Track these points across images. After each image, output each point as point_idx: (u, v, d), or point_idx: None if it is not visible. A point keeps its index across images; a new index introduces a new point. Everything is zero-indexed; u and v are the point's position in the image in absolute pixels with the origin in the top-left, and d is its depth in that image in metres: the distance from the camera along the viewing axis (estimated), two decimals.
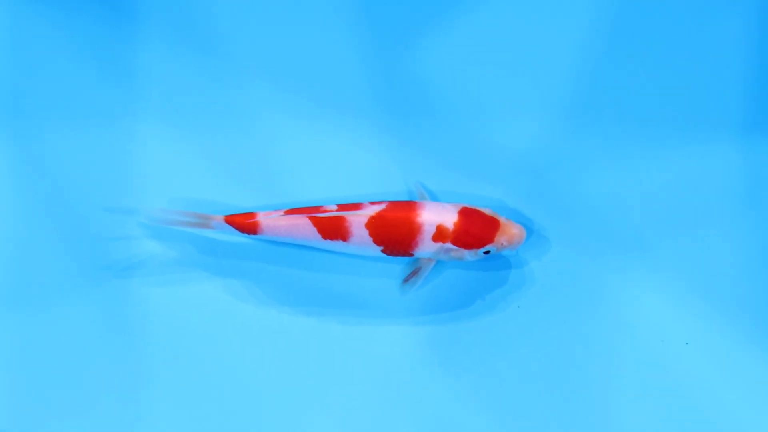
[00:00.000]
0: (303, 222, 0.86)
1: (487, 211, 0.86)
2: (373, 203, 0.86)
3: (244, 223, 0.87)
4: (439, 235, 0.85)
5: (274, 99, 0.93)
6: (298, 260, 0.90)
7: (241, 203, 0.90)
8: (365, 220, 0.85)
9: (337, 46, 0.93)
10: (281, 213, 0.86)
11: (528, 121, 0.93)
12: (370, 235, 0.85)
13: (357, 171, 0.92)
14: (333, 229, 0.85)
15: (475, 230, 0.85)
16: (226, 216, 0.87)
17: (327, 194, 0.91)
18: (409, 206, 0.86)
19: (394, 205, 0.86)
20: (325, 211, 0.86)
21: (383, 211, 0.85)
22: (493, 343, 0.89)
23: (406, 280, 0.88)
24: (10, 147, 0.92)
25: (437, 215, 0.85)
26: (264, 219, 0.86)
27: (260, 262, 0.90)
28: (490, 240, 0.85)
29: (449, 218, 0.85)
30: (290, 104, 0.92)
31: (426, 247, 0.86)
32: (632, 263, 0.90)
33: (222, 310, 0.89)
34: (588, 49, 0.94)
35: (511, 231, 0.85)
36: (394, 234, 0.85)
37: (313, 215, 0.85)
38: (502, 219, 0.86)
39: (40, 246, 0.90)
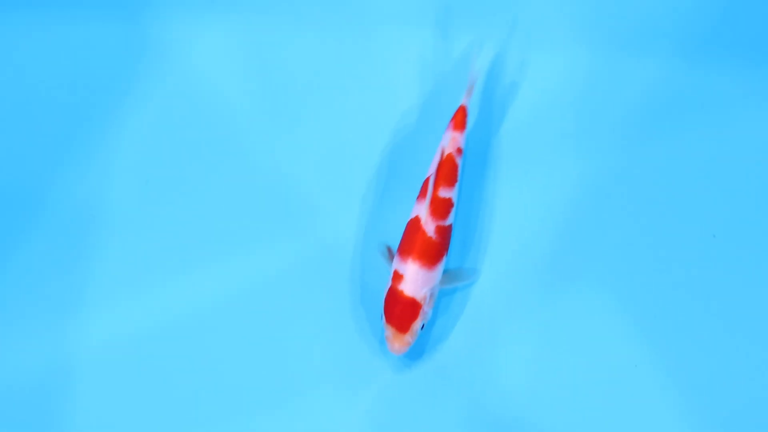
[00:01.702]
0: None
1: (418, 321, 0.86)
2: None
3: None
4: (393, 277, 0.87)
5: None
6: None
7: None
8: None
9: None
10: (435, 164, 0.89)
11: None
12: None
13: None
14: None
15: (389, 304, 0.86)
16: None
17: None
18: (414, 247, 0.87)
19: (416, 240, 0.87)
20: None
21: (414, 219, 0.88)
22: None
23: None
24: None
25: (409, 277, 0.86)
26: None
27: None
28: (386, 319, 0.86)
29: (410, 283, 0.86)
30: None
31: None
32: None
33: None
34: None
35: (390, 341, 0.86)
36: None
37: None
38: (408, 335, 0.85)
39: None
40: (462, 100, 0.91)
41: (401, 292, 0.86)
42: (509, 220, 0.92)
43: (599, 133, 0.93)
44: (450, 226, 0.88)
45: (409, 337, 0.86)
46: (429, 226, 0.87)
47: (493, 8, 0.97)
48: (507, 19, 0.97)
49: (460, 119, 0.91)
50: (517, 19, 0.97)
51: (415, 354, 0.89)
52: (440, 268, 0.88)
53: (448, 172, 0.89)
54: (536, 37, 0.96)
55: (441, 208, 0.88)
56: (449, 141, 0.90)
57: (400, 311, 0.86)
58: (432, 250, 0.87)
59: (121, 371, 0.88)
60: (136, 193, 0.92)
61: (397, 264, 0.87)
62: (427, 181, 0.89)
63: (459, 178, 0.90)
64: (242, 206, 0.93)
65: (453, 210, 0.89)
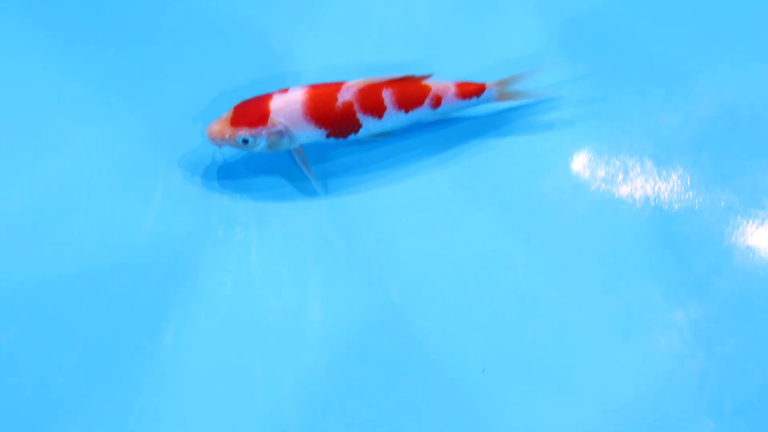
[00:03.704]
0: None
1: (248, 131, 0.81)
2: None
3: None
4: None
5: None
6: None
7: None
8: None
9: None
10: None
11: None
12: None
13: None
14: None
15: (255, 99, 0.82)
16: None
17: None
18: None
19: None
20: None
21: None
22: None
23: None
24: None
25: (288, 98, 0.82)
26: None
27: None
28: (238, 104, 0.83)
29: (283, 102, 0.82)
30: None
31: None
32: None
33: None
34: None
35: (220, 119, 0.82)
36: None
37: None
38: (229, 131, 0.81)
39: None
40: (490, 83, 0.86)
41: (270, 99, 0.80)
42: None
43: None
44: (356, 123, 0.81)
45: (228, 132, 0.80)
46: (345, 94, 0.81)
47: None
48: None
49: (472, 90, 0.84)
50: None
51: None
52: (310, 133, 0.82)
53: (413, 97, 0.83)
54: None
55: (371, 101, 0.82)
56: (443, 87, 0.83)
57: (251, 108, 0.80)
58: (323, 111, 0.81)
59: None
60: None
61: (298, 86, 0.81)
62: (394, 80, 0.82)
63: (408, 118, 0.83)
64: None
65: (374, 121, 0.82)
